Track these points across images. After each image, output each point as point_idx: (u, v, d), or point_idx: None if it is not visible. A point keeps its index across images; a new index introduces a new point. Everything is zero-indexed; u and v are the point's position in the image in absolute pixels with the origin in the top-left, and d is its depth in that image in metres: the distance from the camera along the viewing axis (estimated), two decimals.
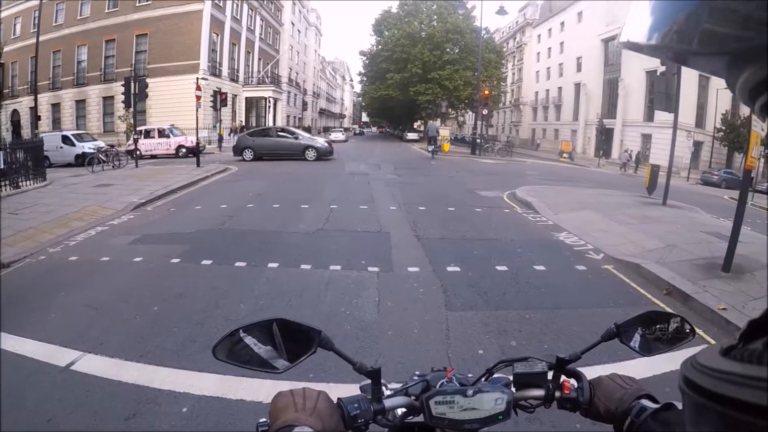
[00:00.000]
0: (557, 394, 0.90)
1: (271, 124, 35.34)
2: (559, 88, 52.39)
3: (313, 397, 0.76)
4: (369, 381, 0.87)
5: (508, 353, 3.45)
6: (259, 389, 2.87)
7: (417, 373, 0.94)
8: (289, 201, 9.58)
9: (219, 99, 24.88)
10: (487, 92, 29.56)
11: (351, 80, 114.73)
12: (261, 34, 41.18)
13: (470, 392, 0.82)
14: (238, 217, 8.24)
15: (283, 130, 22.57)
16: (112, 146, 19.23)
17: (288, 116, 46.29)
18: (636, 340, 0.94)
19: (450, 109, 40.96)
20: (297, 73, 53.37)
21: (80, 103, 32.85)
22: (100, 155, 16.50)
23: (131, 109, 17.03)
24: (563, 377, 0.92)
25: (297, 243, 6.57)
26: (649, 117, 35.39)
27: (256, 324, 0.83)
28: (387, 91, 41.70)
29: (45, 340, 3.59)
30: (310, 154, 19.59)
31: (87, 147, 18.84)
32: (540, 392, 0.90)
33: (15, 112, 34.05)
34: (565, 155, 37.24)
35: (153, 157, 22.10)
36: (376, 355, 3.41)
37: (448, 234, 7.27)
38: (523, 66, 63.00)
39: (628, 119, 39.49)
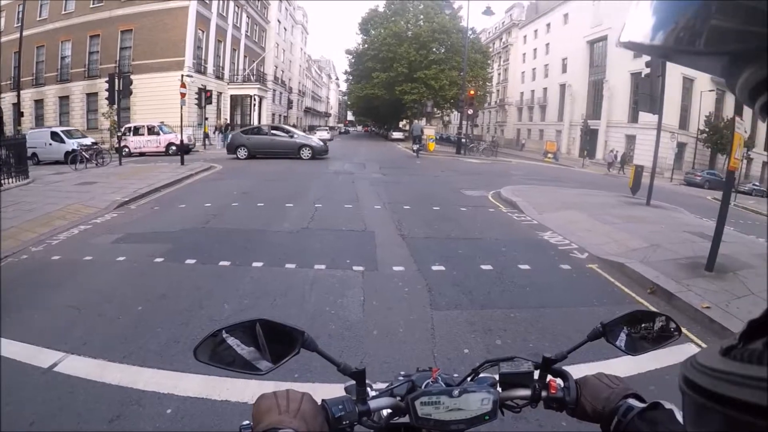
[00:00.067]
0: (544, 393, 0.90)
1: (256, 122, 35.10)
2: (545, 89, 52.96)
3: (296, 399, 0.75)
4: (354, 382, 0.86)
5: (493, 352, 3.47)
6: (245, 390, 2.84)
7: (402, 373, 0.94)
8: (274, 200, 9.54)
9: (204, 96, 24.67)
10: (472, 92, 29.71)
11: (337, 79, 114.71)
12: (247, 31, 40.86)
13: (456, 393, 0.82)
14: (222, 215, 8.17)
15: (277, 128, 22.00)
16: (96, 143, 18.91)
17: (273, 114, 45.99)
18: (622, 340, 0.94)
19: (435, 109, 41.26)
20: (283, 71, 53.06)
21: (63, 100, 32.21)
22: (83, 153, 16.19)
23: (115, 106, 16.76)
24: (549, 377, 0.92)
25: (282, 242, 6.54)
26: (634, 118, 35.92)
27: (239, 324, 0.82)
28: (373, 90, 41.76)
29: (27, 341, 3.51)
30: (306, 153, 19.41)
31: (77, 144, 18.23)
32: (526, 392, 0.90)
33: None
34: (549, 155, 37.61)
35: (142, 154, 21.82)
36: (361, 355, 3.40)
37: (433, 233, 7.28)
38: (509, 66, 63.49)
39: (613, 120, 40.04)
